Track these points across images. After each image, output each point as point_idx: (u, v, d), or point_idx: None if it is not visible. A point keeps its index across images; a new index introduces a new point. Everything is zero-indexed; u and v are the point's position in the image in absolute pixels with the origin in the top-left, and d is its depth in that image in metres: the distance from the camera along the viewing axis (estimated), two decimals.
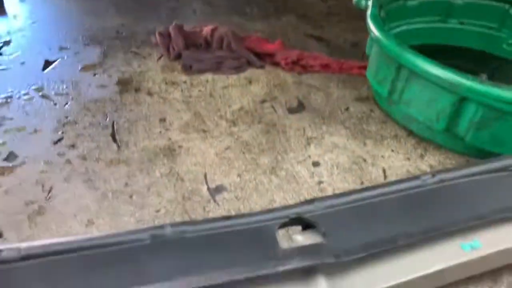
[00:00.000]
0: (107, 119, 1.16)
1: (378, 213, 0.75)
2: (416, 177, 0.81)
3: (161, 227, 0.66)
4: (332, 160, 1.08)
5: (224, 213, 0.92)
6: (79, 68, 1.37)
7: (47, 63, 1.38)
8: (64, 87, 1.27)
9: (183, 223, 0.68)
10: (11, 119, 1.14)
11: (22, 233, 0.85)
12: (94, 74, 1.34)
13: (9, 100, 1.21)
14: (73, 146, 1.07)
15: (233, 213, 0.92)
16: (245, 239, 0.68)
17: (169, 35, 1.48)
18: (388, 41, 1.11)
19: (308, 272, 0.68)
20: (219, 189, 0.98)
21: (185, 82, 1.34)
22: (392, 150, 1.13)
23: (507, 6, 1.42)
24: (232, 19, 1.71)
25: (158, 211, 0.91)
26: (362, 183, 1.02)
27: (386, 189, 0.78)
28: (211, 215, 0.92)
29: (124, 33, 1.58)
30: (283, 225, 0.73)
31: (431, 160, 1.10)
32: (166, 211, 0.91)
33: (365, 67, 1.36)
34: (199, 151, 1.08)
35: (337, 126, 1.20)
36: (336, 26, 1.75)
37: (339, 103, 1.29)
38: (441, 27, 1.46)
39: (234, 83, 1.35)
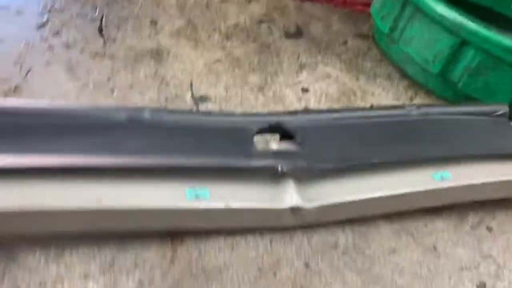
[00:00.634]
0: (97, 12, 1.11)
1: (358, 133, 0.75)
2: (401, 107, 0.82)
3: (140, 109, 0.64)
4: (322, 89, 1.06)
5: None
6: None
7: None
8: None
9: (163, 110, 0.66)
10: None
11: None
12: None
13: None
14: (57, 33, 1.02)
15: None
16: (222, 136, 0.67)
17: None
18: None
19: (279, 175, 0.68)
20: (203, 99, 0.96)
21: None
22: (383, 89, 1.11)
23: None
24: None
25: None
26: None
27: (370, 113, 0.79)
28: None
29: None
30: (262, 130, 0.72)
31: (419, 103, 1.09)
32: None
33: (369, 4, 1.32)
34: (188, 59, 1.04)
35: (333, 57, 1.17)
36: None
37: (338, 36, 1.26)
38: None
39: (232, 0, 1.29)
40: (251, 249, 0.70)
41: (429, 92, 1.12)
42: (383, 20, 1.15)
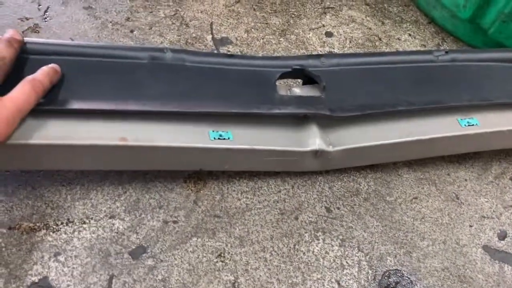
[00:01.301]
0: None
1: (384, 78, 0.73)
2: (429, 52, 0.78)
3: (162, 49, 0.63)
4: (346, 34, 1.02)
5: None
6: None
7: None
8: None
9: (185, 51, 0.64)
10: None
11: None
12: None
13: None
14: None
15: None
16: (244, 80, 0.65)
17: None
18: None
19: (302, 120, 0.67)
20: (224, 41, 0.93)
21: None
22: (410, 35, 1.07)
23: None
24: None
25: None
26: None
27: (397, 58, 0.75)
28: None
29: None
30: (285, 75, 0.70)
31: None
32: None
33: None
34: (207, 0, 1.01)
35: (358, 0, 1.12)
36: None
37: None
38: None
39: None
40: (273, 193, 0.71)
41: (457, 39, 1.08)
42: None
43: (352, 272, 0.64)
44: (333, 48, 0.98)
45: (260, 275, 0.62)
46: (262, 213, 0.68)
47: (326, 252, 0.66)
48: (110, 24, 0.89)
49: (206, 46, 0.90)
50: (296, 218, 0.68)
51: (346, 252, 0.66)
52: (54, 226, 0.61)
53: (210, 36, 0.93)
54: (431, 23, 1.11)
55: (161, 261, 0.60)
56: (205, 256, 0.62)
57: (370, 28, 1.05)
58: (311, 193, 0.72)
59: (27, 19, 0.86)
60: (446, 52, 0.79)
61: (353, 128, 0.69)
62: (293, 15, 1.03)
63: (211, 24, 0.96)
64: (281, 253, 0.64)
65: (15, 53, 0.55)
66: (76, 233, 0.61)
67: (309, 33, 1.00)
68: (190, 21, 0.95)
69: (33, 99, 0.52)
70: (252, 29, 0.97)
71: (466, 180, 0.80)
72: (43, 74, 0.54)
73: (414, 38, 1.06)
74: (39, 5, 0.89)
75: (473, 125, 0.71)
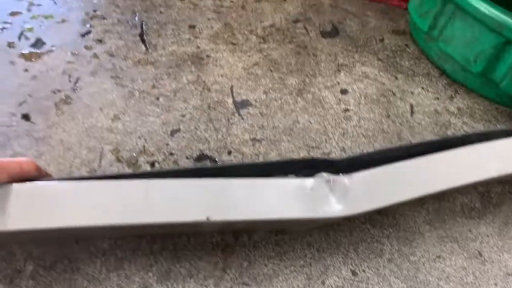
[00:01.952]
0: (136, 18, 1.13)
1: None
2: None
3: None
4: (361, 90, 1.06)
5: (247, 127, 0.92)
6: None
7: None
8: None
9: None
10: (39, 5, 1.11)
11: (48, 119, 0.86)
12: None
13: None
14: (100, 41, 1.04)
15: (256, 128, 0.92)
16: None
17: None
18: None
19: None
20: (244, 104, 0.98)
21: None
22: (423, 88, 1.10)
23: None
24: None
25: (183, 116, 0.91)
26: (388, 116, 1.01)
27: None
28: (234, 127, 0.92)
29: None
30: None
31: (460, 103, 1.08)
32: (191, 117, 0.91)
33: (406, 0, 1.30)
34: (226, 63, 1.06)
35: (370, 56, 1.16)
36: None
37: (374, 33, 1.25)
38: None
39: None
40: (299, 257, 0.72)
41: (469, 90, 1.11)
42: (422, 18, 1.13)
43: None
44: (349, 105, 1.01)
45: None
46: (289, 278, 0.70)
47: None
48: (137, 92, 0.94)
49: (227, 110, 0.95)
50: (323, 283, 0.70)
51: None
52: None
53: (231, 99, 0.98)
54: (443, 75, 1.15)
55: None
56: None
57: (383, 83, 1.09)
58: (337, 255, 0.74)
59: (59, 91, 0.91)
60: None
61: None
62: (308, 74, 1.08)
63: (232, 87, 1.00)
64: None
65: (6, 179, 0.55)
66: None
67: (325, 91, 1.04)
68: (212, 85, 1.00)
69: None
70: (270, 90, 1.02)
71: (488, 236, 0.81)
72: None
73: (427, 91, 1.09)
74: (70, 77, 0.95)
75: None
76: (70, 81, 0.94)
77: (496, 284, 0.74)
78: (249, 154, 0.87)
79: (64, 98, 0.90)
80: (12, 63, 0.95)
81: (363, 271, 0.72)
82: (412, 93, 1.08)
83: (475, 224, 0.83)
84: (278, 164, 0.71)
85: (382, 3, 1.36)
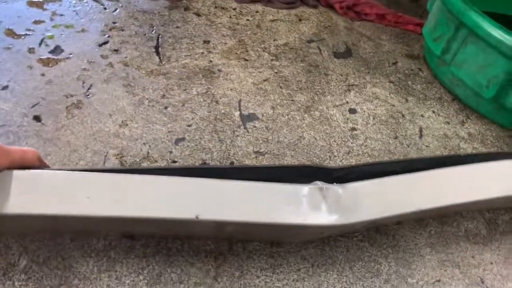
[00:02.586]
0: (153, 31, 1.16)
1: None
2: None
3: None
4: (370, 110, 1.06)
5: (252, 140, 0.92)
6: None
7: None
8: None
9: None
10: (61, 15, 1.15)
11: (59, 122, 0.88)
12: None
13: None
14: (116, 51, 1.08)
15: (260, 141, 0.92)
16: None
17: None
18: None
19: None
20: (251, 117, 0.98)
21: (234, 9, 1.32)
22: (433, 112, 1.09)
23: None
24: None
25: (189, 125, 0.93)
26: (396, 137, 1.00)
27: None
28: (239, 139, 0.92)
29: None
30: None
31: (471, 128, 1.06)
32: (197, 127, 0.93)
33: (421, 25, 1.31)
34: (237, 78, 1.08)
35: (382, 78, 1.16)
36: None
37: (388, 56, 1.25)
38: None
39: (283, 18, 1.32)
40: (293, 271, 0.71)
41: (481, 116, 1.09)
42: (436, 42, 1.13)
43: None
44: (357, 125, 1.01)
45: None
46: None
47: None
48: (147, 101, 0.96)
49: (233, 122, 0.96)
50: None
51: None
52: None
53: (238, 112, 0.99)
54: (455, 100, 1.14)
55: None
56: None
57: (393, 105, 1.08)
58: (331, 272, 0.72)
59: (71, 95, 0.94)
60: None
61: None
62: (318, 92, 1.08)
63: (240, 101, 1.01)
64: None
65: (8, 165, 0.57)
66: None
67: (333, 110, 1.04)
68: (220, 98, 1.01)
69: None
70: (278, 106, 1.02)
71: (492, 263, 0.78)
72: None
73: (438, 115, 1.08)
74: (84, 83, 0.98)
75: None
76: (83, 87, 0.97)
77: None
78: None
79: (75, 102, 0.93)
80: (30, 67, 0.98)
81: None
82: (422, 116, 1.07)
83: (479, 250, 0.80)
84: (276, 169, 0.71)
85: (398, 28, 1.37)
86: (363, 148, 0.96)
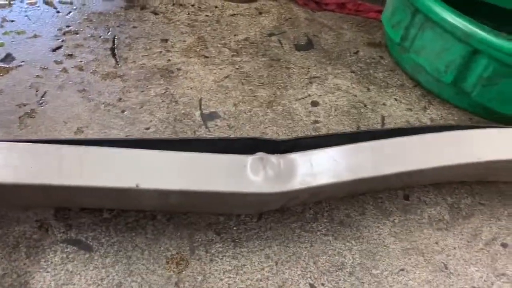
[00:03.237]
0: (109, 33, 1.13)
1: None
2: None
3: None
4: (332, 102, 1.05)
5: None
6: None
7: None
8: None
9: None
10: (12, 21, 1.12)
11: (10, 133, 0.85)
12: None
13: (12, 2, 1.18)
14: (71, 55, 1.05)
15: None
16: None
17: None
18: None
19: None
20: (212, 116, 0.97)
21: (193, 5, 1.29)
22: (396, 99, 1.10)
23: None
24: None
25: (148, 128, 0.91)
26: (358, 127, 1.00)
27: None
28: None
29: None
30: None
31: (434, 113, 1.07)
32: (156, 129, 0.91)
33: (382, 12, 1.31)
34: (197, 76, 1.06)
35: (343, 68, 1.16)
36: None
37: (349, 45, 1.24)
38: None
39: (243, 12, 1.30)
40: (256, 271, 0.71)
41: (443, 101, 1.10)
42: (394, 29, 1.13)
43: None
44: (319, 117, 1.00)
45: None
46: None
47: None
48: (103, 105, 0.94)
49: (194, 122, 0.94)
50: None
51: None
52: None
53: (199, 111, 0.97)
54: (417, 86, 1.14)
55: None
56: None
57: (355, 95, 1.08)
58: (295, 269, 0.72)
59: (24, 105, 0.91)
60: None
61: None
62: (280, 87, 1.07)
63: (200, 100, 1.00)
64: None
65: None
66: None
67: (295, 104, 1.03)
68: (180, 98, 0.99)
69: None
70: (240, 103, 1.01)
71: (455, 248, 0.79)
72: None
73: (400, 102, 1.09)
74: (37, 91, 0.95)
75: None
76: (36, 95, 0.94)
77: None
78: None
79: (29, 112, 0.90)
80: None
81: (322, 284, 0.70)
82: (384, 104, 1.07)
83: (442, 236, 0.81)
84: (223, 141, 0.72)
85: (359, 16, 1.37)
86: None
